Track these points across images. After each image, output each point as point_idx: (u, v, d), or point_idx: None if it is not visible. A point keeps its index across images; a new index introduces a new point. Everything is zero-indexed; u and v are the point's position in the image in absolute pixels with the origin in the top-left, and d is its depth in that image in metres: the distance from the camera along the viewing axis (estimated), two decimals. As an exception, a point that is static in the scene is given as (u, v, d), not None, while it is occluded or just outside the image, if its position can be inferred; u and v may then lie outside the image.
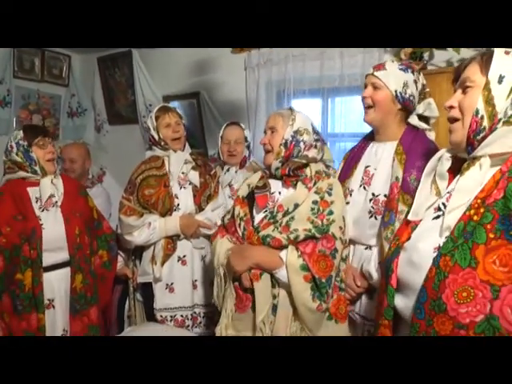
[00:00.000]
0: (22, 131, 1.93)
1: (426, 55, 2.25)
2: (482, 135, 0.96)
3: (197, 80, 3.18)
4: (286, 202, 1.56)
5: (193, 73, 3.19)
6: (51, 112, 3.74)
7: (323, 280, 1.45)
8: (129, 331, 2.10)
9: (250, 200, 1.67)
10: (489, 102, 0.94)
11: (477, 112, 0.96)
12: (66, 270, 1.94)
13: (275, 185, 1.66)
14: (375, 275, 1.49)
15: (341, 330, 1.57)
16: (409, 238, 1.04)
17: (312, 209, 1.53)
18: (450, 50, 2.16)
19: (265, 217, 1.59)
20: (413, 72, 1.54)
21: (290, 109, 1.69)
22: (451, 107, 1.02)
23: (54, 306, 1.90)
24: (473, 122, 0.97)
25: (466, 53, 2.17)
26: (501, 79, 0.94)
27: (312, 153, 1.63)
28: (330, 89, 2.65)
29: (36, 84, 3.61)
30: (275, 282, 1.53)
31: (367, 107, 1.56)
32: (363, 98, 1.57)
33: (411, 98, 1.52)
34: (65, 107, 3.81)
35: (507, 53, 0.95)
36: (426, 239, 0.99)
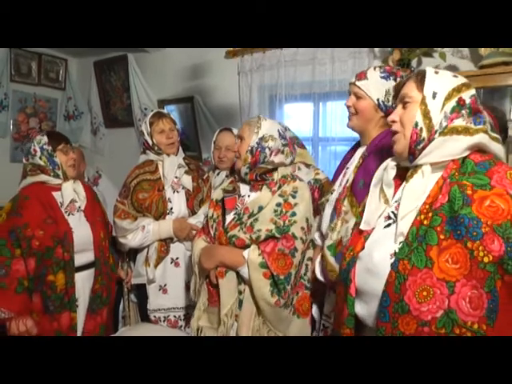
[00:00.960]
0: (46, 136, 2.00)
1: (413, 62, 2.30)
2: (422, 145, 1.05)
3: (191, 84, 3.22)
4: (251, 205, 1.67)
5: (187, 77, 3.24)
6: (48, 115, 3.78)
7: (281, 277, 1.55)
8: (123, 331, 2.15)
9: (223, 203, 1.77)
10: (426, 115, 1.04)
11: (416, 124, 1.05)
12: (90, 271, 2.03)
13: (245, 189, 1.76)
14: (317, 268, 1.60)
15: (302, 324, 1.69)
16: (363, 248, 1.10)
17: (275, 210, 1.63)
18: (437, 57, 2.22)
19: (233, 219, 1.69)
20: (395, 79, 1.54)
21: (258, 117, 1.76)
22: (393, 121, 1.11)
23: (77, 306, 1.97)
24: (413, 134, 1.05)
25: (452, 60, 2.24)
26: (434, 95, 1.04)
27: (279, 158, 1.70)
28: (320, 94, 2.70)
29: (33, 87, 3.66)
30: (241, 279, 1.63)
31: (351, 114, 1.60)
32: (347, 107, 1.60)
33: (394, 105, 1.51)
34: (61, 110, 3.86)
35: (436, 72, 1.08)
36: (381, 247, 1.05)
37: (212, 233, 1.73)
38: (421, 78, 1.08)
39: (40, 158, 1.97)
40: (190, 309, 2.26)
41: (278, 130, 1.73)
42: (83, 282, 2.00)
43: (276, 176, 1.71)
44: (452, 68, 2.27)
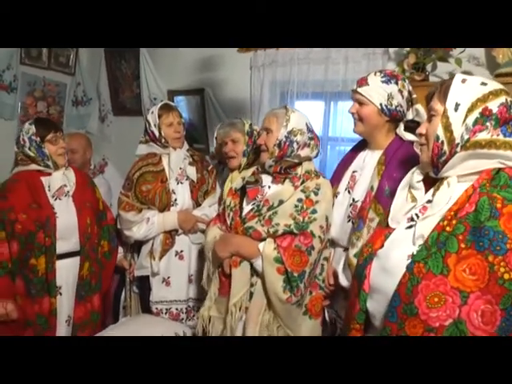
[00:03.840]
0: (33, 126, 1.97)
1: (428, 66, 2.28)
2: (443, 158, 1.04)
3: (202, 77, 3.20)
4: (272, 197, 1.65)
5: (198, 69, 3.21)
6: (56, 100, 3.75)
7: (295, 274, 1.54)
8: (123, 322, 2.17)
9: (242, 192, 1.76)
10: (447, 128, 1.03)
11: (437, 138, 1.04)
12: (75, 259, 2.02)
13: (266, 179, 1.74)
14: (341, 276, 1.56)
15: (313, 325, 1.67)
16: (382, 246, 1.10)
17: (296, 206, 1.61)
18: (452, 62, 2.20)
19: (251, 209, 1.68)
20: (396, 82, 1.53)
21: (286, 108, 1.72)
22: (420, 134, 1.11)
23: (60, 293, 1.98)
24: (435, 147, 1.05)
25: (467, 66, 2.22)
26: (457, 107, 1.02)
27: (305, 152, 1.69)
28: (332, 93, 2.67)
29: (42, 71, 3.62)
30: (254, 271, 1.62)
31: (356, 120, 1.60)
32: (351, 113, 1.60)
33: (398, 108, 1.53)
34: (70, 96, 3.82)
35: (463, 81, 1.04)
36: (399, 247, 1.05)
37: (228, 222, 1.72)
38: (445, 89, 1.05)
39: (29, 149, 1.96)
40: (192, 302, 2.27)
41: (306, 124, 1.71)
42: (68, 269, 2.00)
43: (300, 170, 1.69)
44: (467, 74, 2.25)
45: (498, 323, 0.87)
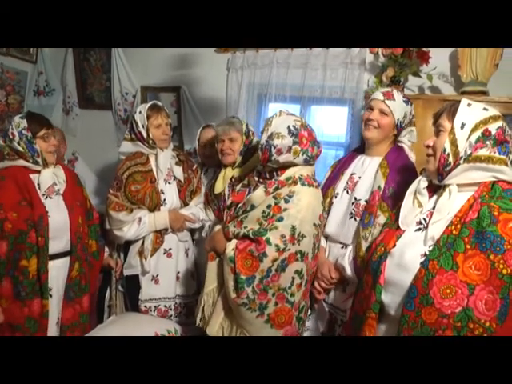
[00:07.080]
0: (25, 120, 1.91)
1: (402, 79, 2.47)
2: (448, 168, 1.23)
3: (177, 74, 3.19)
4: (247, 202, 1.69)
5: (174, 66, 3.20)
6: (16, 89, 3.56)
7: (242, 276, 1.54)
8: (113, 320, 2.16)
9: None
10: (453, 143, 1.22)
11: (444, 150, 1.23)
12: (65, 260, 1.97)
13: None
14: (348, 269, 1.71)
15: (274, 335, 1.60)
16: (394, 246, 1.28)
17: (263, 212, 1.63)
18: (424, 77, 2.41)
19: (233, 211, 1.74)
20: (411, 105, 1.79)
21: (280, 112, 1.72)
22: (428, 146, 1.30)
23: (51, 295, 1.93)
24: (441, 158, 1.24)
25: (436, 82, 2.45)
26: (463, 126, 1.21)
27: (284, 157, 1.63)
28: (310, 98, 2.79)
29: (1, 57, 3.43)
30: None
31: (371, 126, 1.76)
32: (369, 119, 1.75)
33: (405, 126, 1.77)
34: (31, 85, 3.64)
35: (469, 105, 1.24)
36: (413, 247, 1.24)
37: (224, 218, 1.78)
38: (453, 110, 1.24)
39: (18, 144, 1.89)
40: (179, 299, 2.32)
41: (289, 127, 1.63)
42: (58, 270, 1.96)
43: (280, 177, 1.67)
44: (435, 89, 2.48)
45: (497, 309, 1.07)
